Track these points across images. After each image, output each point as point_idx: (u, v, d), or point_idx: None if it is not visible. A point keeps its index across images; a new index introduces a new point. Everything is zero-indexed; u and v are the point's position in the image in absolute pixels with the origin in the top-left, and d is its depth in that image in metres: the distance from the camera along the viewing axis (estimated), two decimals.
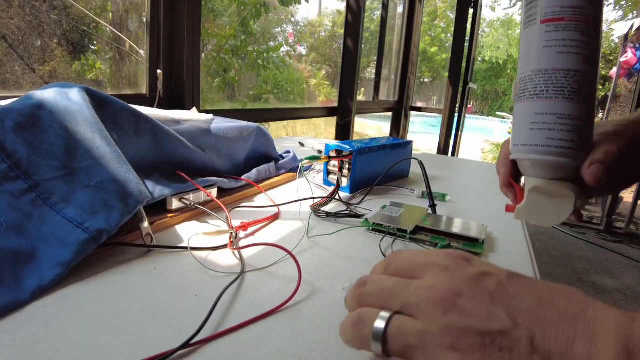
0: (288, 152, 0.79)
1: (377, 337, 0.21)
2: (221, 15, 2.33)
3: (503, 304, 0.19)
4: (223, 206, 0.50)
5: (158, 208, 0.47)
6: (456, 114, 3.02)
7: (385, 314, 0.21)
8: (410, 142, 0.80)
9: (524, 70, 0.32)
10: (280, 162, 0.74)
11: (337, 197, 0.62)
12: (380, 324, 0.21)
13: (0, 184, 0.35)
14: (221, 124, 0.63)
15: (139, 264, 0.38)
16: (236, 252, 0.41)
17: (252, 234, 0.47)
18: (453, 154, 3.14)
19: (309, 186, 0.68)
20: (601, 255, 2.55)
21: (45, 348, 0.25)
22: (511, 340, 0.18)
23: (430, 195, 0.58)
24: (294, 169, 0.75)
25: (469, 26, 2.84)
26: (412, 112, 3.25)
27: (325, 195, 0.61)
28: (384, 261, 0.25)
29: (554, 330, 0.18)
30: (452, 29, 2.95)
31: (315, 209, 0.55)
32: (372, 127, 4.97)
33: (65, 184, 0.37)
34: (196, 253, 0.40)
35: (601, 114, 5.07)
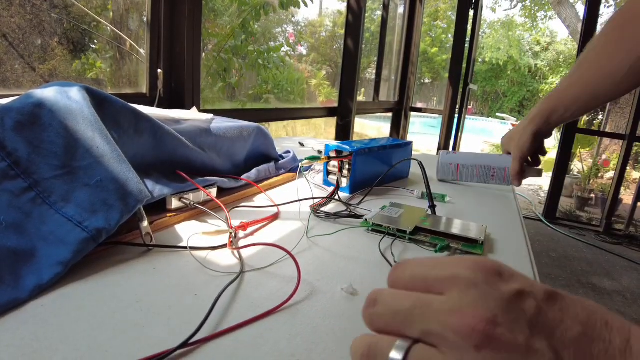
0: (288, 152, 0.79)
1: None
2: (222, 15, 2.33)
3: (545, 335, 0.16)
4: (223, 206, 0.50)
5: (158, 207, 0.47)
6: (456, 115, 3.02)
7: (402, 344, 0.18)
8: (410, 143, 0.80)
9: None
10: (280, 162, 0.74)
11: (336, 197, 0.62)
12: (396, 355, 0.18)
13: (0, 182, 0.35)
14: (221, 123, 0.63)
15: (139, 263, 0.38)
16: (235, 251, 0.41)
17: (252, 233, 0.47)
18: None
19: (309, 186, 0.68)
20: (600, 257, 2.55)
21: (44, 347, 0.25)
22: None
23: (429, 196, 0.58)
24: (294, 169, 0.75)
25: (469, 27, 2.84)
26: (412, 113, 3.25)
27: (325, 196, 0.61)
28: (395, 270, 0.21)
29: None
30: (453, 29, 2.95)
31: (315, 209, 0.55)
32: (372, 128, 4.97)
33: (65, 182, 0.37)
34: (195, 253, 0.40)
35: (601, 115, 5.07)
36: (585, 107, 0.66)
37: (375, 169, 0.70)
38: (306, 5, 2.20)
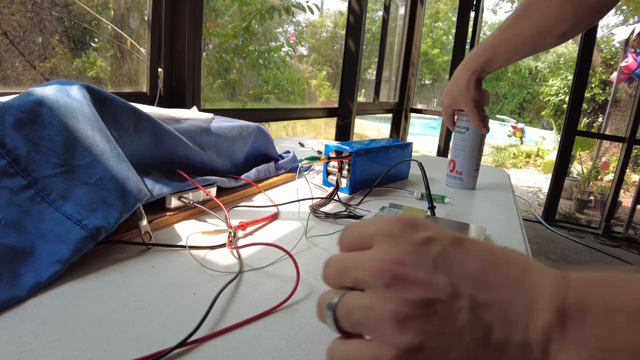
0: (288, 152, 0.79)
1: (330, 319, 0.21)
2: (222, 15, 2.33)
3: (446, 272, 0.19)
4: (222, 205, 0.50)
5: (157, 206, 0.47)
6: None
7: (339, 292, 0.21)
8: (410, 144, 0.80)
9: None
10: (279, 162, 0.74)
11: (336, 197, 0.62)
12: (334, 300, 0.21)
13: None
14: (221, 123, 0.63)
15: (137, 262, 0.38)
16: (234, 251, 0.41)
17: (251, 233, 0.47)
18: None
19: (308, 186, 0.68)
20: (599, 259, 2.55)
21: (42, 345, 0.25)
22: (452, 309, 0.18)
23: (429, 197, 0.58)
24: (294, 169, 0.75)
25: (470, 29, 2.85)
26: (412, 114, 3.25)
27: (325, 196, 0.61)
28: (341, 236, 0.24)
29: (495, 296, 0.18)
30: (454, 31, 2.95)
31: (314, 210, 0.55)
32: (372, 129, 4.97)
33: (65, 181, 0.37)
34: (194, 252, 0.40)
35: (601, 118, 5.07)
36: (523, 57, 0.72)
37: (375, 170, 0.70)
38: (312, 12, 2.20)
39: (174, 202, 0.48)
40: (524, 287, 0.18)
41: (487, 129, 0.75)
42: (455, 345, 0.18)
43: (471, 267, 0.19)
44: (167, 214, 0.47)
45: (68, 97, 0.40)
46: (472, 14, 2.83)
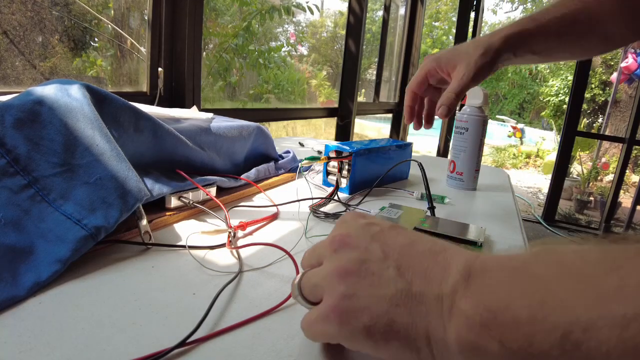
0: (288, 152, 0.79)
1: (296, 292, 0.27)
2: (223, 14, 2.33)
3: (380, 242, 0.25)
4: (222, 205, 0.50)
5: (157, 206, 0.47)
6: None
7: (301, 274, 0.27)
8: (410, 144, 0.80)
9: None
10: (279, 162, 0.74)
11: (336, 197, 0.62)
12: (297, 279, 0.27)
13: None
14: (221, 123, 0.63)
15: (137, 261, 0.38)
16: (234, 251, 0.41)
17: (251, 233, 0.47)
18: None
19: (308, 186, 0.68)
20: None
21: (41, 344, 0.25)
22: (381, 267, 0.23)
23: (429, 198, 0.58)
24: (294, 169, 0.75)
25: (470, 29, 2.84)
26: None
27: (324, 196, 0.61)
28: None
29: (417, 261, 0.23)
30: (454, 31, 2.95)
31: (314, 210, 0.55)
32: (372, 129, 4.97)
33: (65, 180, 0.37)
34: (194, 252, 0.40)
35: (601, 118, 5.07)
36: (560, 52, 0.53)
37: (375, 170, 0.70)
38: (312, 12, 2.20)
39: (174, 202, 0.48)
40: (444, 258, 0.22)
41: (446, 115, 0.50)
42: (382, 294, 0.22)
43: (400, 241, 0.25)
44: (167, 213, 0.47)
45: (68, 96, 0.40)
46: (472, 14, 2.83)
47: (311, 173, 0.79)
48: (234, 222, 0.46)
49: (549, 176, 3.16)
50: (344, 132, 2.19)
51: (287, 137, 1.40)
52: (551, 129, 7.76)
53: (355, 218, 0.28)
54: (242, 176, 0.62)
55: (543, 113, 8.83)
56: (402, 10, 3.10)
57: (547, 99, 8.61)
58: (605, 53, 0.51)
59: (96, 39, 1.17)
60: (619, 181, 2.93)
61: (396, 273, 0.22)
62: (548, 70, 9.52)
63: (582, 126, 4.04)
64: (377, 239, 0.25)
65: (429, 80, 0.55)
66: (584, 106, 4.51)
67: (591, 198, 3.92)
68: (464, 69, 0.48)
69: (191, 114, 0.67)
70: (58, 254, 0.33)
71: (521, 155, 6.65)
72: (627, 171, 3.31)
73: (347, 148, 0.65)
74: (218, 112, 0.89)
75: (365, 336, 0.22)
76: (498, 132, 7.92)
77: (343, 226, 0.27)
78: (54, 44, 1.02)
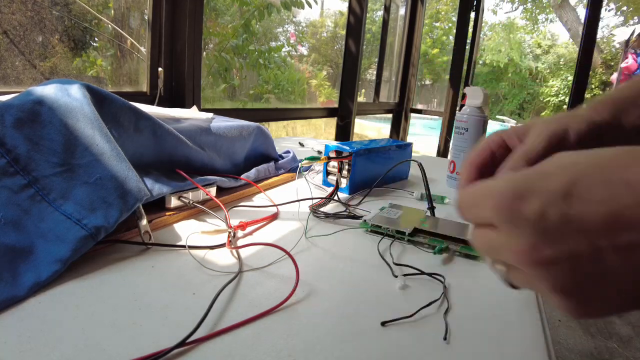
0: (288, 152, 0.79)
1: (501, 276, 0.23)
2: (223, 14, 2.33)
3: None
4: (222, 205, 0.50)
5: (157, 206, 0.47)
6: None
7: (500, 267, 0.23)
8: (410, 144, 0.80)
9: None
10: (279, 162, 0.74)
11: (336, 198, 0.62)
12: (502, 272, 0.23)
13: None
14: (221, 123, 0.63)
15: (137, 261, 0.38)
16: (234, 251, 0.41)
17: (250, 233, 0.47)
18: None
19: (308, 186, 0.68)
20: None
21: (41, 344, 0.25)
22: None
23: (429, 198, 0.58)
24: (294, 169, 0.75)
25: (470, 29, 2.85)
26: (413, 114, 3.25)
27: (324, 196, 0.61)
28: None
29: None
30: (454, 31, 2.95)
31: (314, 210, 0.55)
32: (372, 129, 4.97)
33: (64, 180, 0.37)
34: (194, 252, 0.40)
35: None
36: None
37: (375, 170, 0.70)
38: (310, 6, 2.20)
39: (174, 202, 0.48)
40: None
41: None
42: None
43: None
44: (167, 213, 0.47)
45: (68, 96, 0.40)
46: (473, 15, 2.83)
47: (311, 173, 0.79)
48: (234, 222, 0.46)
49: None
50: (344, 132, 2.19)
51: (287, 137, 1.40)
52: None
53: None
54: (242, 176, 0.62)
55: (543, 113, 8.83)
56: (402, 11, 3.10)
57: (547, 99, 8.61)
58: None
59: (96, 39, 1.17)
60: None
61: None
62: (548, 71, 9.52)
63: None
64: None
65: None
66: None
67: None
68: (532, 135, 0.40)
69: (191, 114, 0.67)
70: (58, 254, 0.33)
71: None
72: None
73: (347, 148, 0.65)
74: (218, 112, 0.89)
75: None
76: None
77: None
78: (54, 43, 1.02)
